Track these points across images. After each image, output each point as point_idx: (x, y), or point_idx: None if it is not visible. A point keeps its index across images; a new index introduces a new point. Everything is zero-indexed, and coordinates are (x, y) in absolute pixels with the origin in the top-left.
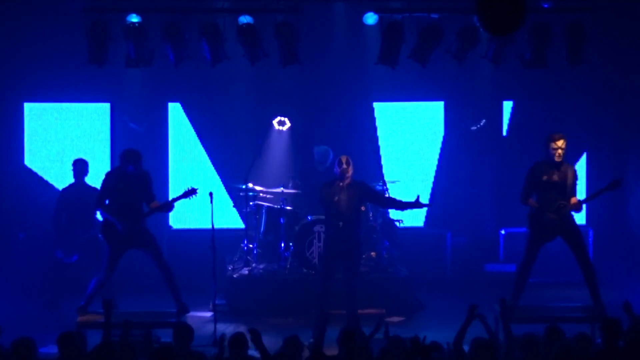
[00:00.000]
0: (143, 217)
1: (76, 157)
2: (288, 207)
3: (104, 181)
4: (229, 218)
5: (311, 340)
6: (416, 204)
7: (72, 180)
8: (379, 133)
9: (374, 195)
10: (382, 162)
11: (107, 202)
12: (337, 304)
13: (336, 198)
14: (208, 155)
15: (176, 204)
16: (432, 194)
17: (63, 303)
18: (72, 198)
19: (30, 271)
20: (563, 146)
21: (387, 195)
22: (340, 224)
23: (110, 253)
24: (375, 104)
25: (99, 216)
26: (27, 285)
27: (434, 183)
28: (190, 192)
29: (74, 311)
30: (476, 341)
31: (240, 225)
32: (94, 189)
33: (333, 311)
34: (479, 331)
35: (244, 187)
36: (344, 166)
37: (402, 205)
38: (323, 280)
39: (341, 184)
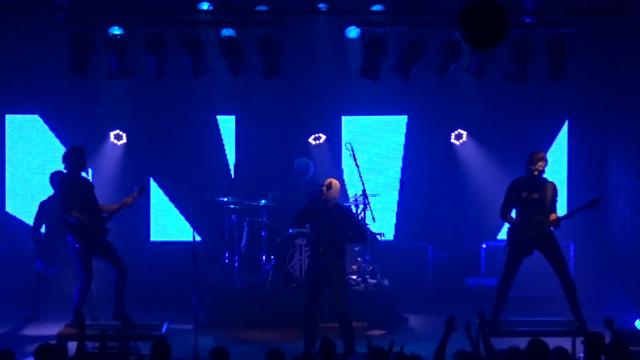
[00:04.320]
0: (105, 221)
1: (54, 170)
2: (269, 220)
3: (68, 185)
4: (211, 231)
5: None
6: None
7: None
8: (362, 146)
9: (353, 225)
10: (366, 175)
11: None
12: (325, 318)
13: (317, 218)
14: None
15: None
16: (426, 208)
17: (43, 315)
18: (52, 210)
19: (11, 283)
20: (544, 165)
21: (364, 229)
22: (321, 248)
23: (85, 259)
24: (359, 117)
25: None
26: (8, 297)
27: (425, 197)
28: (142, 191)
29: (54, 323)
30: (458, 354)
31: (222, 238)
32: None
33: (322, 324)
34: (462, 344)
35: (225, 199)
36: (323, 189)
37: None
38: (309, 300)
39: (322, 205)
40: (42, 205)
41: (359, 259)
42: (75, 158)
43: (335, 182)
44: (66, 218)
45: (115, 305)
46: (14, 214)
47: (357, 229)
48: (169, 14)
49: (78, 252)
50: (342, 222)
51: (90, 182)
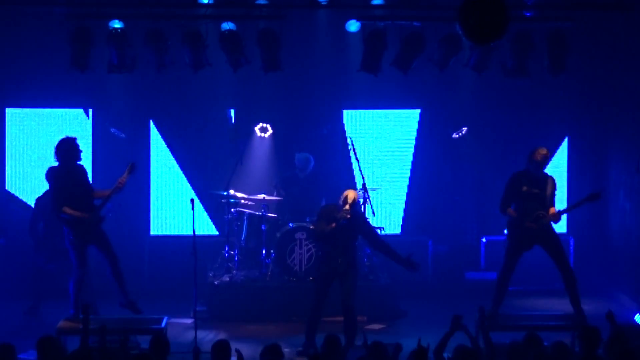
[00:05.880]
0: (98, 210)
1: (51, 165)
2: (269, 214)
3: (56, 181)
4: (211, 225)
5: (300, 349)
6: (406, 262)
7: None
8: (360, 140)
9: (367, 233)
10: (364, 169)
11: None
12: (327, 311)
13: (334, 225)
14: (179, 164)
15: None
16: (427, 202)
17: (43, 309)
18: (49, 206)
19: (10, 277)
20: (547, 160)
21: (381, 239)
22: (340, 260)
23: (78, 250)
24: (357, 112)
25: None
26: (7, 291)
27: (425, 191)
28: (132, 168)
29: (54, 317)
30: (459, 349)
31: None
32: None
33: (325, 318)
34: (460, 339)
35: (225, 193)
36: (347, 207)
37: (392, 256)
38: (317, 295)
39: (340, 214)
40: (39, 200)
41: (359, 253)
42: (66, 149)
43: (356, 196)
44: (57, 213)
45: (120, 294)
46: (12, 206)
47: (373, 239)
48: (169, 8)
49: (72, 242)
50: (356, 227)
51: (82, 170)
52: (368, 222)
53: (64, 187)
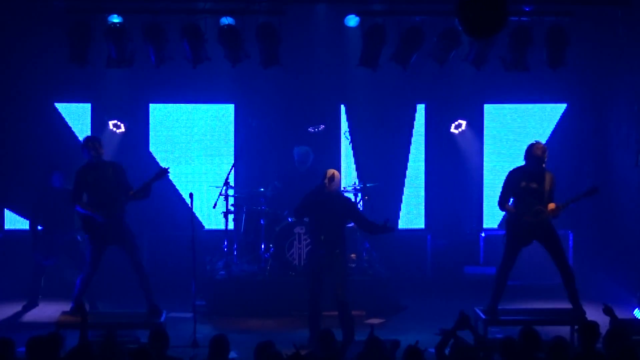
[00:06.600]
0: (121, 209)
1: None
2: (268, 209)
3: (76, 176)
4: (210, 219)
5: (304, 344)
6: (384, 228)
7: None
8: (358, 135)
9: (355, 216)
10: (362, 163)
11: (83, 196)
12: (326, 306)
13: (319, 208)
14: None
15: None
16: (425, 196)
17: (42, 305)
18: (49, 201)
19: (10, 272)
20: (544, 157)
21: (365, 217)
22: (322, 237)
23: (93, 248)
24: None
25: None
26: (6, 286)
27: (425, 186)
28: (163, 173)
29: (52, 312)
30: (457, 345)
31: (221, 226)
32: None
33: (325, 313)
34: (459, 334)
35: (224, 188)
36: (326, 181)
37: (374, 229)
38: (311, 288)
39: (324, 196)
40: (39, 196)
41: (358, 248)
42: (86, 147)
43: (337, 174)
44: (74, 208)
45: (145, 298)
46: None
47: (360, 220)
48: (168, 2)
49: (88, 239)
50: (343, 211)
51: (114, 167)
52: (349, 200)
53: (82, 183)
